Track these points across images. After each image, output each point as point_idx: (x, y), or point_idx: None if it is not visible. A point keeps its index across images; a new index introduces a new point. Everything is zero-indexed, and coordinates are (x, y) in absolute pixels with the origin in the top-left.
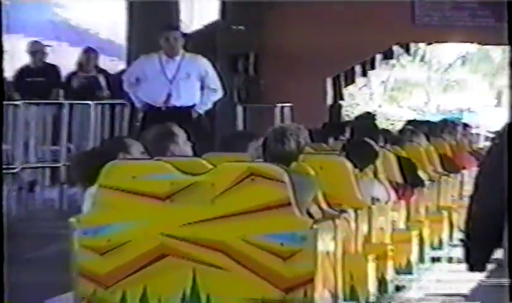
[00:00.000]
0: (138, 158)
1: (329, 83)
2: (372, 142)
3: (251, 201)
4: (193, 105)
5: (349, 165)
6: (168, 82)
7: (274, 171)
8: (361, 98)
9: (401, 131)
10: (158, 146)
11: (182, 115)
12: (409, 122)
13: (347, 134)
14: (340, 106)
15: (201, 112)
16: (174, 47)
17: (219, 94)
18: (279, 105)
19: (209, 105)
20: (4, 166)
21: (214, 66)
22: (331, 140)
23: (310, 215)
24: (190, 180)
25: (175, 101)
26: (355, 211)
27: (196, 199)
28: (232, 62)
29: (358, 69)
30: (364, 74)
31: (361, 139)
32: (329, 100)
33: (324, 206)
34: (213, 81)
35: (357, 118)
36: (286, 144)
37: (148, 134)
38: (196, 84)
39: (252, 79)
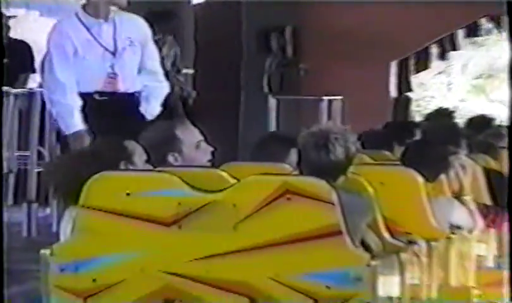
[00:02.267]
0: (140, 170)
1: (393, 68)
2: (442, 146)
3: (286, 227)
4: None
5: (420, 179)
6: (110, 54)
7: (318, 188)
8: (437, 88)
9: (491, 134)
10: (158, 152)
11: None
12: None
13: (417, 138)
14: (408, 100)
15: (150, 118)
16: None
17: (166, 86)
18: (325, 98)
19: (157, 107)
20: None
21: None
22: (395, 145)
23: (366, 247)
24: (205, 198)
25: (123, 84)
26: (428, 242)
27: (213, 224)
28: (262, 40)
29: (432, 50)
30: (441, 56)
31: (427, 140)
32: (393, 92)
33: (386, 234)
34: (153, 58)
35: (431, 116)
36: (331, 152)
37: (148, 136)
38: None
39: (289, 63)
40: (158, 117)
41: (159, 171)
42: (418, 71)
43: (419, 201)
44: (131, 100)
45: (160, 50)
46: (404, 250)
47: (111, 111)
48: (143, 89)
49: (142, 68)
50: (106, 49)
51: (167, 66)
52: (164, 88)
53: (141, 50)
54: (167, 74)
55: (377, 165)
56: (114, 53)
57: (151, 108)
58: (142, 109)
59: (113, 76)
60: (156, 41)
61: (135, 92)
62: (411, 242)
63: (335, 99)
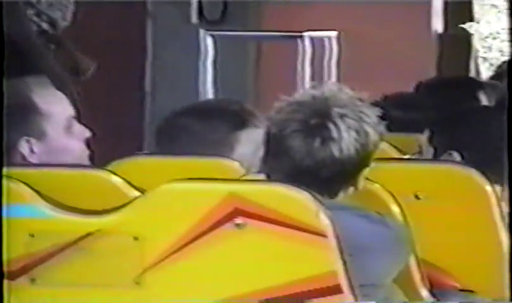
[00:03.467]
0: None
1: None
2: None
3: (232, 281)
4: None
5: (488, 187)
6: None
7: (297, 206)
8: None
9: None
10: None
11: None
12: None
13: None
14: (466, 37)
15: None
16: None
17: None
18: (308, 34)
19: None
20: None
21: None
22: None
23: None
24: (81, 226)
25: None
26: None
27: (97, 274)
28: None
29: None
30: None
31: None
32: (436, 26)
33: (424, 292)
34: None
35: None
36: (330, 142)
37: None
38: None
39: None
40: None
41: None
42: None
43: (488, 230)
44: None
45: None
46: None
47: None
48: None
49: None
50: None
51: None
52: None
53: None
54: None
55: (408, 161)
56: None
57: None
58: None
59: None
60: None
61: None
62: None
63: (326, 36)
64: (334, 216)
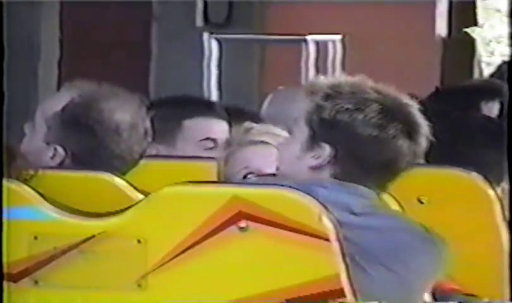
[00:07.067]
0: None
1: None
2: None
3: (236, 285)
4: None
5: (492, 192)
6: None
7: (301, 209)
8: None
9: None
10: None
11: None
12: None
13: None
14: (470, 42)
15: None
16: None
17: None
18: (310, 36)
19: None
20: None
21: None
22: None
23: None
24: (84, 228)
25: None
26: None
27: (99, 277)
28: None
29: None
30: None
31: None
32: (441, 28)
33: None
34: None
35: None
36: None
37: None
38: None
39: None
40: None
41: None
42: None
43: (491, 234)
44: None
45: None
46: None
47: None
48: None
49: None
50: None
51: None
52: None
53: None
54: None
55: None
56: None
57: None
58: None
59: None
60: None
61: None
62: None
63: (330, 39)
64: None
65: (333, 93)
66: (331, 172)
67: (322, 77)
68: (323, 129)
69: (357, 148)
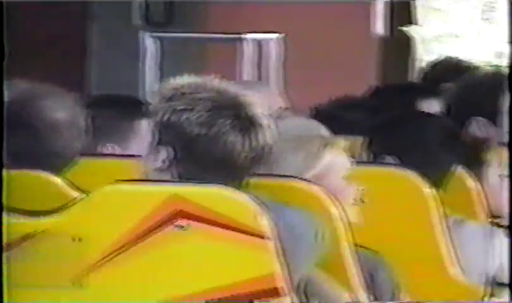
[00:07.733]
0: None
1: None
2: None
3: (174, 284)
4: None
5: (427, 189)
6: None
7: (238, 207)
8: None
9: None
10: None
11: None
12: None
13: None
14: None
15: None
16: None
17: None
18: (249, 35)
19: None
20: None
21: None
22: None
23: None
24: (22, 227)
25: None
26: None
27: (38, 274)
28: None
29: None
30: None
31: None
32: (379, 27)
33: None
34: None
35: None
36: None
37: None
38: None
39: None
40: None
41: None
42: None
43: (426, 230)
44: None
45: None
46: None
47: None
48: None
49: None
50: None
51: None
52: None
53: None
54: None
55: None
56: None
57: None
58: None
59: None
60: None
61: None
62: None
63: (269, 38)
64: (270, 216)
65: (172, 95)
66: (177, 173)
67: (170, 80)
68: (161, 131)
69: (191, 147)
